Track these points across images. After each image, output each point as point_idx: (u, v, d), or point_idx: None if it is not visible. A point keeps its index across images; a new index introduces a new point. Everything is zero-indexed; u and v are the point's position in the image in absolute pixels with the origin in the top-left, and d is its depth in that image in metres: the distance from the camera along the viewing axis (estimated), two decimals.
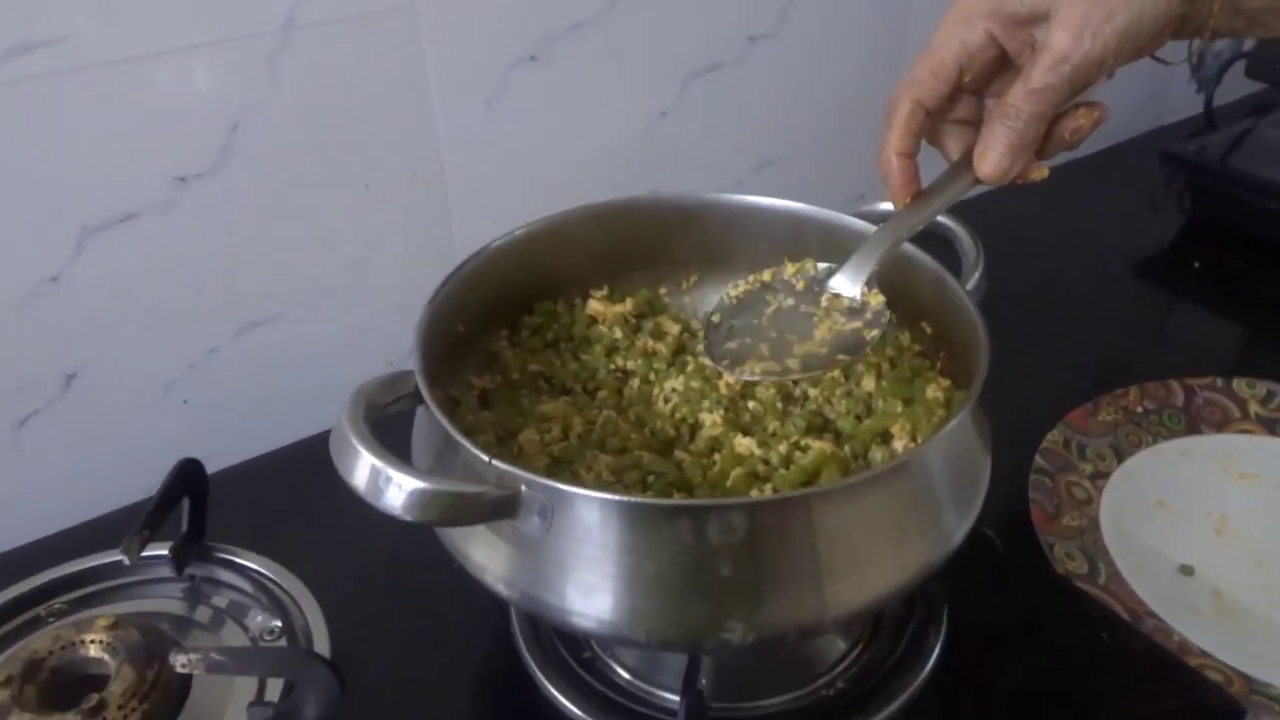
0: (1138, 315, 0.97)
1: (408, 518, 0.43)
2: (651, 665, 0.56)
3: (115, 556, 0.60)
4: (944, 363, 0.58)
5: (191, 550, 0.61)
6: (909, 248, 0.56)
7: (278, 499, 0.70)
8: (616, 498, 0.43)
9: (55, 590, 0.61)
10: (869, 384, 0.58)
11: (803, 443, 0.54)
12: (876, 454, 0.54)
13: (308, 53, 0.74)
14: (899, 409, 0.55)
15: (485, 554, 0.47)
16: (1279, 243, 1.00)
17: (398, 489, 0.42)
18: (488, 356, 0.62)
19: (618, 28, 0.85)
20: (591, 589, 0.44)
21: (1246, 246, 1.02)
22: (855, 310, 0.54)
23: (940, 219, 0.57)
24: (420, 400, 0.51)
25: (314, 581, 0.60)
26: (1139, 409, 0.81)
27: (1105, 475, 0.76)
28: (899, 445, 0.54)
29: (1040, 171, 0.52)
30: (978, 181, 0.51)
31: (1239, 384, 0.82)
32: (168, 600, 0.61)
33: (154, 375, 0.78)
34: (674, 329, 0.63)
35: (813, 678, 0.54)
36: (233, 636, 0.59)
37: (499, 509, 0.44)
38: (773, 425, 0.55)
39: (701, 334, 0.63)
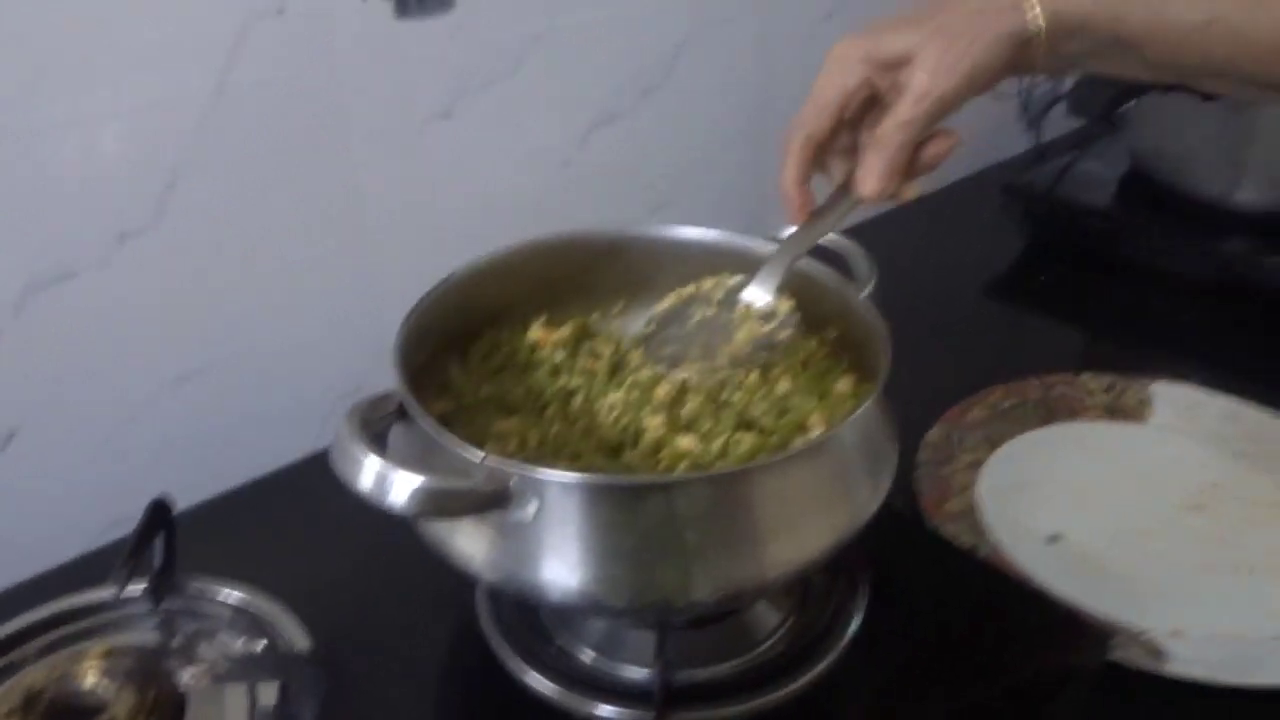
0: (994, 325, 1.10)
1: (410, 512, 0.48)
2: (612, 644, 0.62)
3: (94, 596, 0.63)
4: (850, 362, 0.67)
5: (166, 584, 0.64)
6: (814, 265, 0.65)
7: (239, 533, 0.73)
8: (600, 479, 0.50)
9: (29, 635, 0.63)
10: (785, 385, 0.66)
11: (734, 438, 0.61)
12: (798, 443, 0.62)
13: (239, 113, 0.78)
14: (814, 403, 0.64)
15: (470, 544, 0.53)
16: (1105, 258, 1.14)
17: (402, 488, 0.48)
18: (440, 384, 0.67)
19: (524, 85, 0.93)
20: (575, 565, 0.51)
21: (1081, 262, 1.16)
22: (768, 316, 0.62)
23: (836, 239, 0.67)
24: (400, 418, 0.56)
25: (289, 601, 0.64)
26: (1004, 404, 0.92)
27: (980, 463, 0.86)
28: (815, 434, 0.63)
29: (912, 190, 0.61)
30: (860, 201, 0.60)
31: (1085, 378, 0.94)
32: (147, 633, 0.64)
33: (95, 428, 0.80)
34: (608, 349, 0.70)
35: (756, 643, 0.62)
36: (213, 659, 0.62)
37: (492, 500, 0.50)
38: (706, 425, 0.63)
39: (631, 352, 0.70)
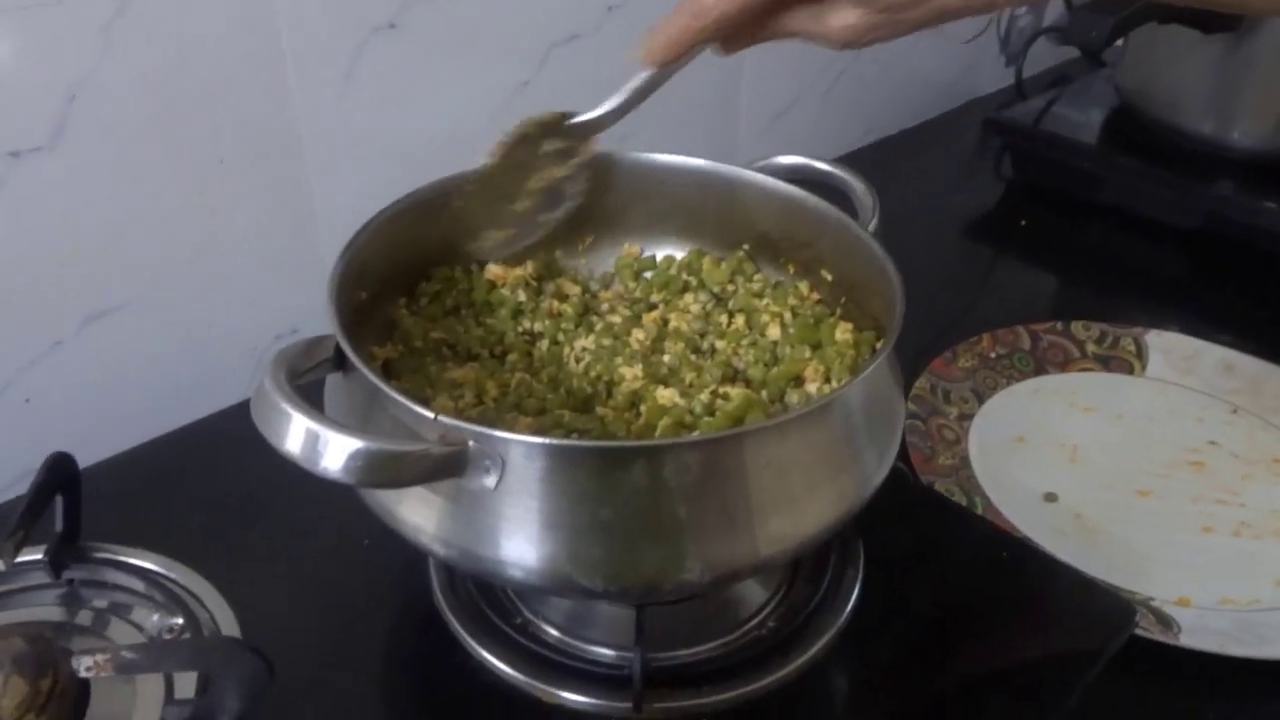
0: (975, 272, 1.04)
1: (347, 480, 0.41)
2: (581, 621, 0.55)
3: None
4: (844, 308, 0.60)
5: (68, 552, 0.56)
6: (807, 197, 0.58)
7: (155, 493, 0.65)
8: (574, 444, 0.42)
9: None
10: (774, 333, 0.59)
11: (721, 391, 0.54)
12: (792, 397, 0.55)
13: (149, 19, 0.68)
14: (807, 354, 0.57)
15: (419, 513, 0.46)
16: (1093, 201, 1.09)
17: (337, 451, 0.40)
18: (386, 326, 0.59)
19: None
20: (542, 541, 0.44)
21: (1064, 205, 1.10)
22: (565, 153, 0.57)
23: (836, 171, 0.60)
24: (337, 366, 0.48)
25: (212, 572, 0.56)
26: (992, 354, 0.86)
27: (969, 416, 0.81)
28: (812, 388, 0.56)
29: None
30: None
31: (1076, 327, 0.89)
32: (46, 608, 0.56)
33: None
34: (575, 290, 0.63)
35: (741, 622, 0.55)
36: (126, 638, 0.54)
37: (444, 467, 0.42)
38: (689, 377, 0.56)
39: (602, 293, 0.63)
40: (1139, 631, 0.59)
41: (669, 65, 0.52)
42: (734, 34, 0.50)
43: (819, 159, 0.63)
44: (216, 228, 0.77)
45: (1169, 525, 0.72)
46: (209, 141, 0.74)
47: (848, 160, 0.63)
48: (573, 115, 0.56)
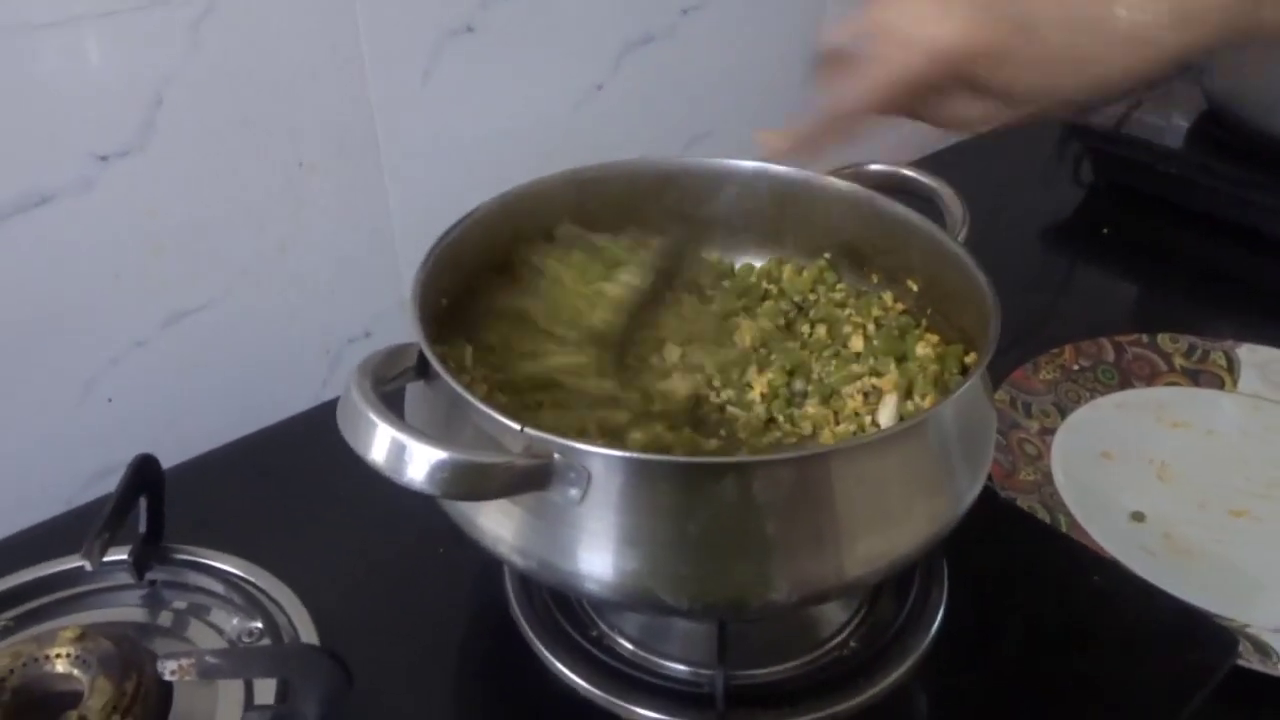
0: (1054, 280, 1.01)
1: (432, 491, 0.40)
2: (657, 635, 0.54)
3: (67, 564, 0.55)
4: (930, 319, 0.58)
5: (151, 553, 0.57)
6: (893, 205, 0.57)
7: (234, 495, 0.65)
8: (662, 458, 0.42)
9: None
10: (857, 344, 0.58)
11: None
12: (886, 419, 0.54)
13: (234, 21, 0.69)
14: (891, 367, 0.55)
15: (499, 523, 0.45)
16: (1179, 207, 1.05)
17: (421, 462, 0.40)
18: (467, 328, 0.59)
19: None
20: (626, 556, 0.43)
21: (1148, 212, 1.07)
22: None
23: (923, 178, 0.58)
24: (420, 375, 0.48)
25: (291, 576, 0.56)
26: (1075, 366, 0.84)
27: (1051, 430, 0.78)
28: (889, 402, 0.54)
29: None
30: None
31: (1163, 339, 0.86)
32: (129, 608, 0.56)
33: (72, 374, 0.71)
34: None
35: (822, 640, 0.54)
36: (206, 641, 0.54)
37: (529, 480, 0.42)
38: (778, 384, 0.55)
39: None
40: (1238, 661, 0.56)
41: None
42: None
43: (903, 165, 0.62)
44: (295, 228, 0.78)
45: (1265, 547, 0.69)
46: (289, 142, 0.75)
47: (924, 164, 0.61)
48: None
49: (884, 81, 0.46)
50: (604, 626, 0.55)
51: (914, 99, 0.47)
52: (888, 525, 0.44)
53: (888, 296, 0.61)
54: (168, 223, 0.72)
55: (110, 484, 0.58)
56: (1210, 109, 1.10)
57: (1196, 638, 0.55)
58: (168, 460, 0.70)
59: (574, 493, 0.42)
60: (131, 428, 0.74)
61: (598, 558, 0.43)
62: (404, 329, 0.49)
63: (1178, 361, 0.85)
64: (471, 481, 0.41)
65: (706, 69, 0.95)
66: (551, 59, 0.86)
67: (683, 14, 0.91)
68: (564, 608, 0.56)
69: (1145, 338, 0.86)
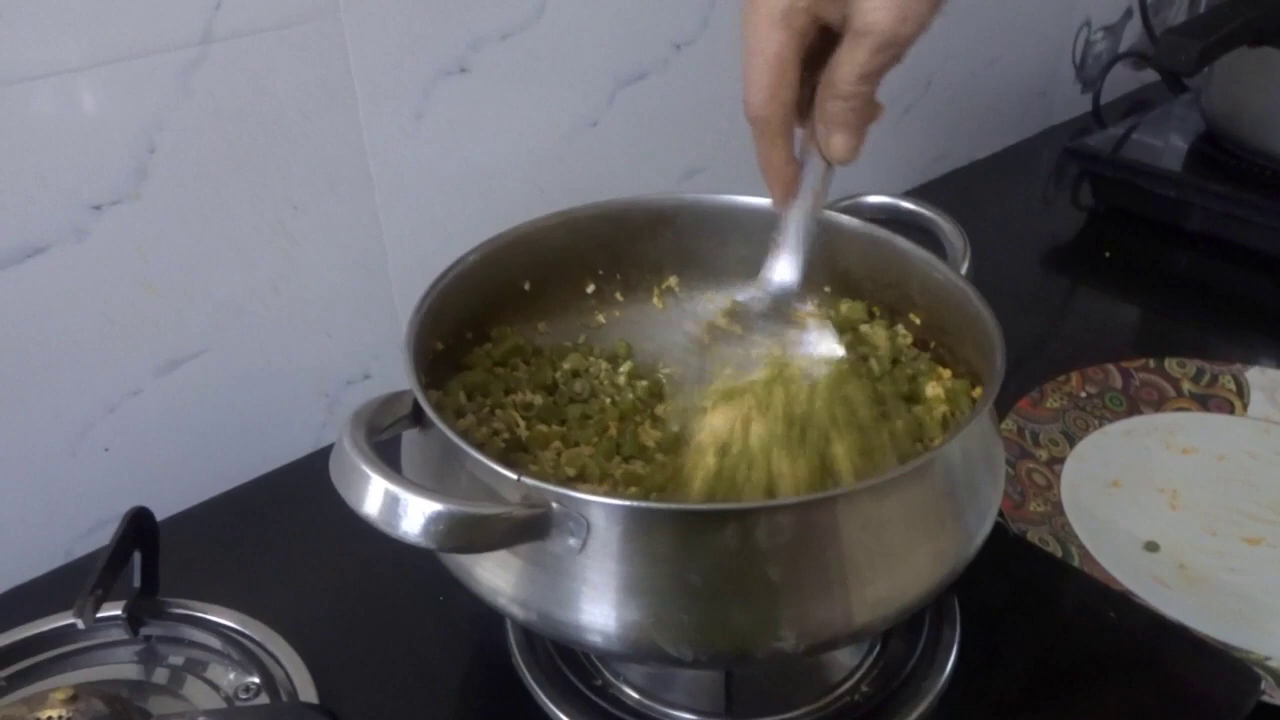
0: (1057, 305, 1.00)
1: (427, 545, 0.39)
2: (662, 684, 0.53)
3: (60, 622, 0.54)
4: (934, 352, 0.57)
5: (146, 608, 0.56)
6: (892, 238, 0.56)
7: (230, 545, 0.64)
8: (663, 505, 0.41)
9: None
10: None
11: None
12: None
13: (226, 66, 0.69)
14: (903, 409, 0.54)
15: (497, 574, 0.44)
16: (1180, 229, 1.04)
17: (416, 514, 0.39)
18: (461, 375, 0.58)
19: (546, 38, 0.83)
20: (626, 606, 0.42)
21: (1150, 235, 1.06)
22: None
23: (924, 210, 0.57)
24: (415, 422, 0.47)
25: (288, 629, 0.55)
26: (1082, 394, 0.83)
27: (1060, 460, 0.77)
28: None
29: None
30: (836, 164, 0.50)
31: (1170, 364, 0.85)
32: (123, 665, 0.55)
33: (66, 424, 0.71)
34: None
35: (832, 685, 0.53)
36: (202, 698, 0.53)
37: (527, 530, 0.41)
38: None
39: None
40: (1262, 698, 0.55)
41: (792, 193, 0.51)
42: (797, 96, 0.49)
43: (902, 197, 0.61)
44: (290, 269, 0.77)
45: None
46: (284, 183, 0.74)
47: (920, 192, 0.61)
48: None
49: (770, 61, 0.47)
50: (609, 675, 0.54)
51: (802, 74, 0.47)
52: (896, 569, 0.43)
53: (903, 335, 0.59)
54: (163, 269, 0.71)
55: (109, 534, 0.57)
56: (1208, 130, 1.10)
57: (1217, 673, 0.53)
58: (166, 510, 0.69)
59: (573, 542, 0.41)
60: (128, 477, 0.73)
61: (599, 609, 0.42)
62: (402, 372, 0.48)
63: (1186, 386, 0.84)
64: (468, 533, 0.40)
65: (700, 104, 0.95)
66: (545, 97, 0.85)
67: (675, 49, 0.91)
68: (567, 656, 0.55)
69: (1152, 363, 0.85)
